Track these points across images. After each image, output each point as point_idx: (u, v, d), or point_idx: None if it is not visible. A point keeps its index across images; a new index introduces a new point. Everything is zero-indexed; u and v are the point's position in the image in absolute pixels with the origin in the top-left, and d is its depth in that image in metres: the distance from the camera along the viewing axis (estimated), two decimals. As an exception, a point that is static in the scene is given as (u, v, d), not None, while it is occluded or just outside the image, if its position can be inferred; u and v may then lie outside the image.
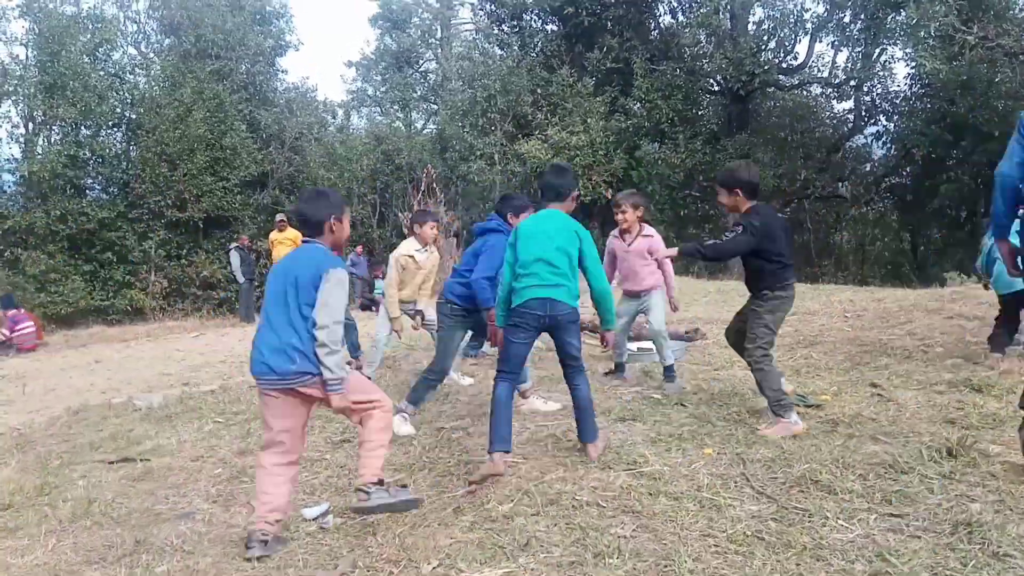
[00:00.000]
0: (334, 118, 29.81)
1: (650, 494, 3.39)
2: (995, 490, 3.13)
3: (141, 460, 4.75)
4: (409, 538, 3.15)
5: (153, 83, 22.16)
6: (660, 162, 21.65)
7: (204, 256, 20.74)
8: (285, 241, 13.05)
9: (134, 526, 3.66)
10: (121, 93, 21.49)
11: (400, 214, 20.65)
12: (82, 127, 20.86)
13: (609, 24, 22.27)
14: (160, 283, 20.16)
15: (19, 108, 20.48)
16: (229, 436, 5.20)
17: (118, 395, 7.24)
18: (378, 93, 33.83)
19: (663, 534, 2.97)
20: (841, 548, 2.73)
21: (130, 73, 22.68)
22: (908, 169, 24.03)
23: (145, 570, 3.09)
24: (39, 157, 19.64)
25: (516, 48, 23.65)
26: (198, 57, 22.79)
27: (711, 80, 23.48)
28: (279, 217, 13.54)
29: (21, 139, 20.67)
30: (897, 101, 23.29)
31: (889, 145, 24.05)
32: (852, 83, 23.40)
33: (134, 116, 21.30)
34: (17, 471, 4.86)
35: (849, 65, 23.24)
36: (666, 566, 2.70)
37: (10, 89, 19.88)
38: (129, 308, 19.47)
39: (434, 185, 18.62)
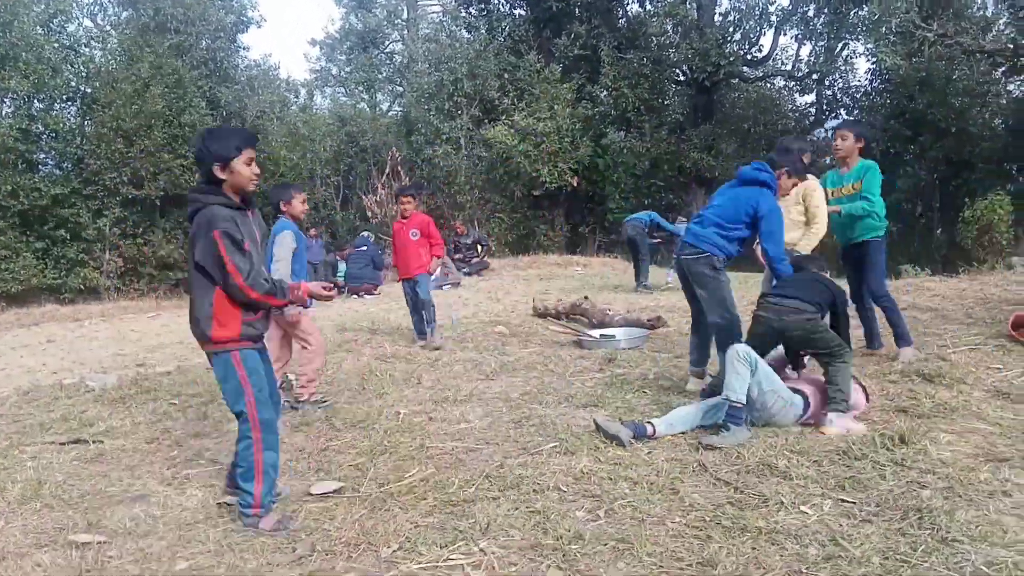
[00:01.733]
0: (297, 97, 29.39)
1: (610, 479, 3.42)
2: (945, 477, 3.21)
3: (94, 442, 4.64)
4: (369, 521, 3.13)
5: (110, 57, 21.54)
6: (626, 150, 21.75)
7: (161, 235, 20.30)
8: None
9: (86, 509, 3.58)
10: (76, 66, 20.84)
11: (364, 197, 20.47)
12: (35, 100, 20.22)
13: (577, 11, 22.25)
14: (115, 262, 19.69)
15: (-32, 79, 19.75)
16: (184, 419, 5.11)
17: (70, 375, 7.06)
18: (342, 73, 33.41)
19: (622, 518, 3.00)
20: (796, 532, 2.78)
21: (85, 46, 22.01)
22: (866, 163, 24.45)
23: (97, 553, 3.02)
24: (-11, 130, 18.99)
25: (484, 32, 23.49)
26: (157, 31, 22.21)
27: (677, 70, 23.62)
28: None
29: (-30, 111, 19.96)
30: (858, 96, 23.73)
31: (849, 139, 24.43)
32: (814, 77, 23.77)
33: (89, 90, 20.67)
34: (-37, 452, 4.72)
35: (812, 59, 23.59)
36: (625, 550, 2.72)
37: (-41, 59, 19.17)
38: (82, 287, 19.00)
39: (399, 168, 18.49)
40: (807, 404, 4.06)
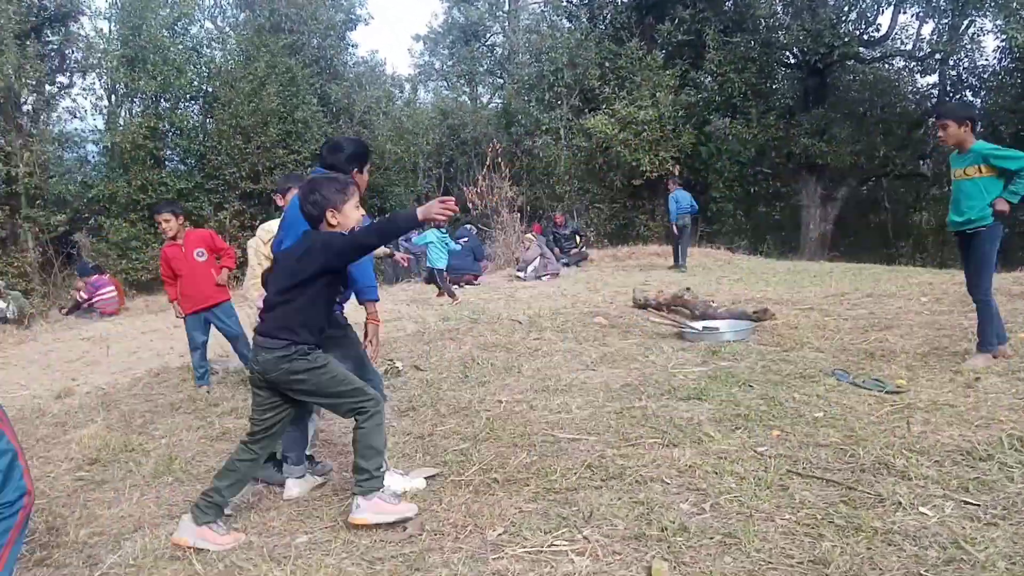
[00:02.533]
0: (401, 92, 30.09)
1: (715, 473, 3.36)
2: (1082, 482, 3.00)
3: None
4: (474, 505, 3.21)
5: (229, 57, 22.71)
6: (731, 137, 21.18)
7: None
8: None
9: (213, 483, 3.83)
10: (198, 66, 22.08)
11: (465, 188, 20.79)
12: (161, 99, 21.55)
13: (681, -5, 21.81)
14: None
15: (102, 81, 21.28)
16: (300, 401, 5.35)
17: (196, 359, 7.52)
18: (445, 67, 33.97)
19: (728, 513, 2.95)
20: (914, 534, 2.67)
21: (207, 47, 23.28)
22: (995, 147, 22.88)
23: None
24: (121, 128, 20.39)
25: (584, 20, 23.34)
26: (272, 31, 23.24)
27: (787, 52, 22.79)
28: None
29: (104, 111, 21.48)
30: (985, 76, 22.20)
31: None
32: (937, 56, 22.39)
33: (210, 89, 21.86)
34: (103, 428, 5.13)
35: (935, 38, 22.24)
36: (732, 544, 2.68)
37: (94, 62, 20.67)
38: (206, 276, 20.11)
39: (499, 160, 18.65)
40: None
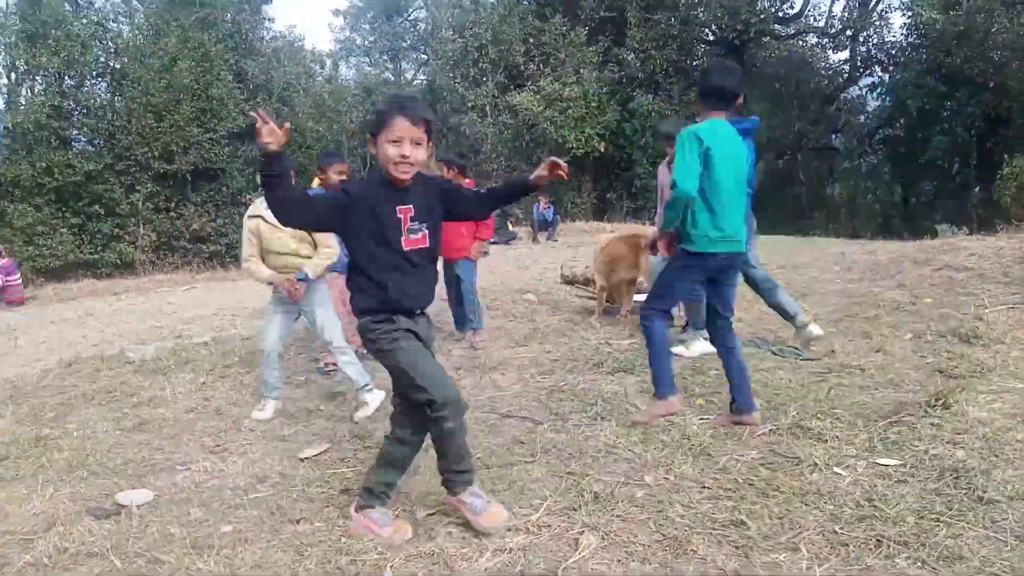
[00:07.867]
0: (322, 68, 29.32)
1: (642, 443, 3.43)
2: (982, 437, 3.18)
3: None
4: (403, 484, 3.18)
5: (137, 32, 21.69)
6: (654, 114, 21.46)
7: (193, 209, 20.54)
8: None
9: (130, 476, 3.68)
10: (105, 42, 21.02)
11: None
12: (66, 77, 20.45)
13: (603, -29, 21.91)
14: (149, 236, 20.00)
15: (1, 58, 20.06)
16: (223, 387, 5.21)
17: (110, 347, 7.22)
18: (367, 42, 33.26)
19: (655, 481, 3.01)
20: (830, 493, 2.78)
21: (113, 21, 22.19)
22: (901, 121, 23.96)
23: (141, 519, 3.12)
24: (23, 108, 19.30)
25: (508, -5, 23.18)
26: (183, 5, 22.28)
27: (706, 30, 23.20)
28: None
29: (4, 90, 20.34)
30: (893, 52, 23.14)
31: (884, 96, 23.97)
32: (848, 33, 23.22)
33: (118, 66, 20.86)
34: (12, 422, 4.87)
35: (846, 15, 23.05)
36: (658, 510, 2.74)
37: (-10, 38, 19.47)
38: (118, 262, 19.34)
39: (425, 138, 18.38)
40: None
